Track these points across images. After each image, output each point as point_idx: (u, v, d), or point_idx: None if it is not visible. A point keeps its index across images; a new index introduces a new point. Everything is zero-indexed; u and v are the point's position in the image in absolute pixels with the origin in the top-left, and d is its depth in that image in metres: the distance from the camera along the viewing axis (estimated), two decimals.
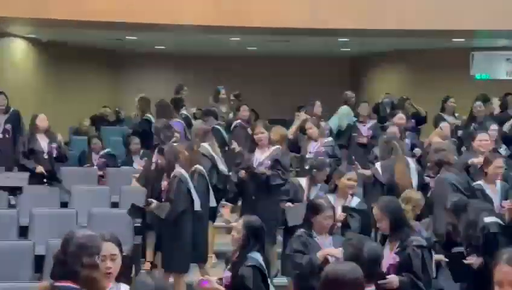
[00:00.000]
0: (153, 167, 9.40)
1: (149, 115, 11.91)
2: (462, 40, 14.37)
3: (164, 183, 8.40)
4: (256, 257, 5.52)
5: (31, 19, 12.03)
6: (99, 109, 16.55)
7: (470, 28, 11.84)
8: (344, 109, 12.65)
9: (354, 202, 7.46)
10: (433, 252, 6.44)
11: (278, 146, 9.19)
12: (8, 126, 11.04)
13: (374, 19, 11.54)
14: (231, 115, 13.27)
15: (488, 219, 6.82)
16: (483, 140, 8.87)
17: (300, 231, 6.29)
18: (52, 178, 10.03)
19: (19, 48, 16.00)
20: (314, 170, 8.06)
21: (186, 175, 8.28)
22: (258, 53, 18.37)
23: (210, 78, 17.83)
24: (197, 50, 18.17)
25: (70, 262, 4.04)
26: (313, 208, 6.16)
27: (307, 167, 8.96)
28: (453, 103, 13.19)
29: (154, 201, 8.15)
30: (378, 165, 8.68)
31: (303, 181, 8.21)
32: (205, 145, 9.54)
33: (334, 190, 7.48)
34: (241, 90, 14.80)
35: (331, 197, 7.12)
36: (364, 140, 11.87)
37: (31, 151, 10.16)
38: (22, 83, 15.73)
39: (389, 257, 5.77)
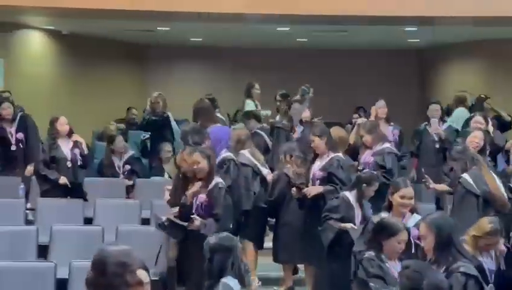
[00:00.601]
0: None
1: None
2: None
3: (201, 196, 8.19)
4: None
5: (48, 8, 12.17)
6: (123, 107, 16.62)
7: None
8: (460, 111, 12.55)
9: (412, 221, 7.12)
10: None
11: (337, 154, 9.03)
12: (20, 135, 11.05)
13: (447, 5, 11.39)
14: (277, 118, 13.25)
15: None
16: None
17: (370, 254, 6.15)
18: (77, 191, 10.08)
19: (37, 40, 16.35)
20: (364, 185, 8.02)
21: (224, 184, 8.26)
22: (309, 45, 18.36)
23: (251, 74, 17.99)
24: (238, 43, 18.29)
25: (114, 284, 4.01)
26: (386, 230, 6.05)
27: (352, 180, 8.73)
28: None
29: (198, 218, 7.94)
30: (467, 176, 8.46)
31: (350, 196, 8.11)
32: (245, 152, 9.62)
33: (388, 207, 7.24)
34: (288, 88, 14.80)
35: (384, 216, 6.94)
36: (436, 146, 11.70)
37: (52, 160, 10.18)
38: (40, 76, 16.10)
39: None
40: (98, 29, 16.12)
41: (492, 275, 6.67)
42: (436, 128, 11.68)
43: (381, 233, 6.06)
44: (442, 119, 12.22)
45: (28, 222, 9.74)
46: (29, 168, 10.67)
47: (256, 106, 13.71)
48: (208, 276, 5.16)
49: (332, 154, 8.85)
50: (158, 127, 12.77)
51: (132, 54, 19.03)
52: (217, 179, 8.20)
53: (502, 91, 14.95)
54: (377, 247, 6.08)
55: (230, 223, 8.06)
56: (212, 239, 5.25)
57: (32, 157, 10.73)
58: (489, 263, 6.70)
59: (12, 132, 11.01)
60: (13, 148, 10.87)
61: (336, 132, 9.86)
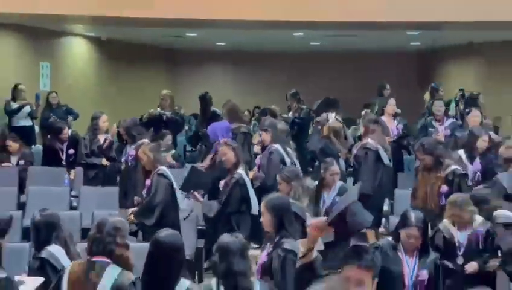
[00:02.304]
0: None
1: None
2: None
3: (221, 183, 8.23)
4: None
5: (90, 17, 12.16)
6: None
7: None
8: None
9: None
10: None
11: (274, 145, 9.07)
12: (71, 151, 10.98)
13: (449, 11, 11.20)
14: (290, 114, 13.21)
15: None
16: None
17: (388, 240, 5.96)
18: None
19: (78, 46, 16.41)
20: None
21: (247, 179, 8.18)
22: (322, 48, 18.16)
23: (270, 76, 17.96)
24: (257, 47, 18.19)
25: (106, 241, 4.64)
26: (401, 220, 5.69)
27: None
28: None
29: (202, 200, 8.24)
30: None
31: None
32: (277, 146, 9.36)
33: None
34: (301, 87, 14.74)
35: None
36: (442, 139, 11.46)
37: (92, 153, 10.29)
38: (81, 78, 16.23)
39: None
40: (133, 35, 16.19)
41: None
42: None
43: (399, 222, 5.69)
44: (445, 115, 12.08)
45: (72, 208, 9.74)
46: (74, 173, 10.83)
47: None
48: (34, 246, 5.60)
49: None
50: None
51: (164, 58, 19.06)
52: (239, 174, 8.10)
53: (501, 91, 14.78)
54: (396, 235, 5.76)
55: (231, 210, 7.94)
56: (37, 216, 5.47)
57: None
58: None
59: (64, 149, 10.98)
60: (63, 163, 10.83)
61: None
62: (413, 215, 5.57)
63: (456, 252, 6.54)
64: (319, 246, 3.97)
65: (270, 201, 5.56)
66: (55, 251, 5.50)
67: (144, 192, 7.98)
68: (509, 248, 6.34)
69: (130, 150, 9.22)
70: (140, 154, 8.15)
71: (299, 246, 3.82)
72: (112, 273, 4.66)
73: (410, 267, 5.61)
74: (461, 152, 9.02)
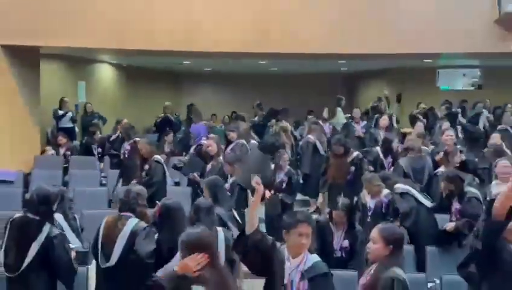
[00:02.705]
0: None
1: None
2: (430, 60, 14.22)
3: (208, 166, 8.12)
4: None
5: (114, 49, 12.05)
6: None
7: (437, 52, 11.58)
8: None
9: None
10: None
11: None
12: (99, 150, 11.25)
13: (368, 46, 10.92)
14: (256, 118, 13.29)
15: None
16: (449, 135, 8.80)
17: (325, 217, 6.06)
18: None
19: (105, 70, 16.31)
20: None
21: None
22: (278, 72, 18.19)
23: (243, 92, 17.98)
24: (233, 71, 18.16)
25: (131, 202, 4.89)
26: None
27: None
28: (423, 107, 13.26)
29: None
30: None
31: None
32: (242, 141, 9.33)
33: None
34: (265, 101, 14.81)
35: None
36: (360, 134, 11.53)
37: (114, 148, 10.50)
38: (108, 93, 16.10)
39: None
40: (146, 62, 16.09)
41: None
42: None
43: None
44: (361, 118, 12.20)
45: (102, 185, 9.68)
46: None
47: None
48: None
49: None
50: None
51: (168, 78, 18.96)
52: (221, 159, 8.06)
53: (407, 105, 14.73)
54: None
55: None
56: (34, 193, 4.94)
57: None
58: None
59: (95, 147, 11.28)
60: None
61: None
62: (341, 202, 5.72)
63: (367, 213, 6.63)
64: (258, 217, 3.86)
65: (208, 180, 5.83)
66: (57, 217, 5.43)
67: (144, 174, 7.92)
68: (404, 210, 6.45)
69: (126, 145, 9.23)
70: (140, 146, 8.13)
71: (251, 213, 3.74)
72: (132, 222, 4.80)
73: (339, 238, 5.74)
74: (378, 149, 9.16)
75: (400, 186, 6.60)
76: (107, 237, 4.80)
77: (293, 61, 14.16)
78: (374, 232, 3.75)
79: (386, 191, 6.58)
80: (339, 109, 13.23)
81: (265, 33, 10.62)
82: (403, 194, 6.51)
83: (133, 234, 4.71)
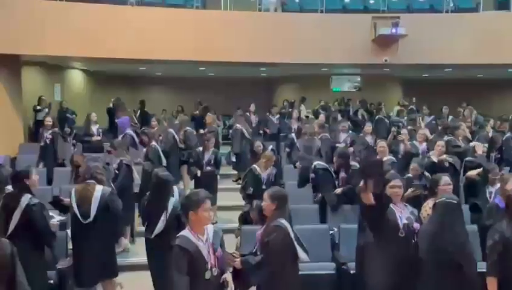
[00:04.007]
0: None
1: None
2: (326, 69, 14.49)
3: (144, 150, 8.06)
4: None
5: (83, 58, 11.76)
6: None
7: (331, 62, 11.85)
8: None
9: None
10: None
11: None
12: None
13: (280, 56, 11.08)
14: (197, 112, 13.13)
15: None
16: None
17: None
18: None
19: (77, 75, 15.63)
20: None
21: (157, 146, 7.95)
22: (214, 76, 17.95)
23: (186, 92, 17.62)
24: (178, 75, 17.70)
25: (93, 173, 4.93)
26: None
27: None
28: (322, 104, 13.60)
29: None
30: None
31: None
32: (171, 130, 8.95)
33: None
34: (204, 98, 14.63)
35: None
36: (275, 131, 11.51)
37: (86, 135, 10.11)
38: (78, 93, 15.45)
39: None
40: (109, 68, 15.53)
41: None
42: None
43: None
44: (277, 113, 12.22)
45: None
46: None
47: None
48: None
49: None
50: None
51: (127, 81, 18.22)
52: (155, 144, 7.84)
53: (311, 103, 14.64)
54: None
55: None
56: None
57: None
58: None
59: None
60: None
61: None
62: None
63: (262, 182, 6.66)
64: None
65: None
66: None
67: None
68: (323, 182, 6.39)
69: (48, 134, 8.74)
70: (76, 158, 7.01)
71: None
72: (99, 187, 4.89)
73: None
74: (293, 135, 9.50)
75: (320, 163, 6.57)
76: (81, 199, 4.82)
77: (225, 68, 14.03)
78: (265, 194, 3.72)
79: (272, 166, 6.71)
80: (302, 106, 13.35)
81: (203, 46, 10.71)
82: (321, 169, 6.43)
83: (103, 196, 4.82)
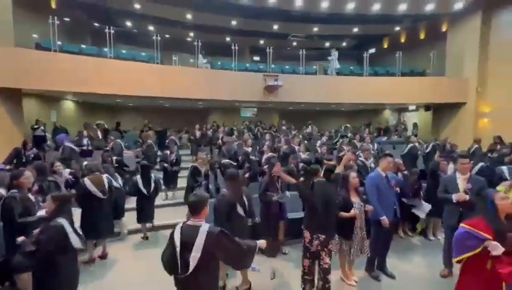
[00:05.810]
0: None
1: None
2: (237, 104, 14.97)
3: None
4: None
5: (73, 92, 11.36)
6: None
7: (241, 100, 12.46)
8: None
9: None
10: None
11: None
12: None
13: (211, 94, 11.76)
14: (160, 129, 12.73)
15: None
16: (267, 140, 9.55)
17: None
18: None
19: (68, 106, 14.74)
20: None
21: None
22: (169, 107, 17.51)
23: (151, 116, 17.08)
24: (146, 105, 17.19)
25: (94, 169, 5.25)
26: None
27: None
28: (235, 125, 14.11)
29: None
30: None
31: None
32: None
33: None
34: (162, 121, 14.26)
35: None
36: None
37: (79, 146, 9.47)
38: (69, 118, 14.77)
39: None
40: (93, 99, 14.87)
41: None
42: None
43: None
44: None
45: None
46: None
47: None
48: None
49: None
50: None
51: (108, 109, 17.36)
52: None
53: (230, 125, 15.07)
54: None
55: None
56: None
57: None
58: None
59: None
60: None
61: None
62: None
63: None
64: None
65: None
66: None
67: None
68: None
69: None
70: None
71: None
72: (105, 176, 5.38)
73: None
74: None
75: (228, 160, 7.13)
76: (97, 185, 5.21)
77: (175, 101, 14.07)
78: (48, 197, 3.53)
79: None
80: (283, 123, 13.97)
81: (161, 87, 11.11)
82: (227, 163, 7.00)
83: (110, 180, 5.40)
